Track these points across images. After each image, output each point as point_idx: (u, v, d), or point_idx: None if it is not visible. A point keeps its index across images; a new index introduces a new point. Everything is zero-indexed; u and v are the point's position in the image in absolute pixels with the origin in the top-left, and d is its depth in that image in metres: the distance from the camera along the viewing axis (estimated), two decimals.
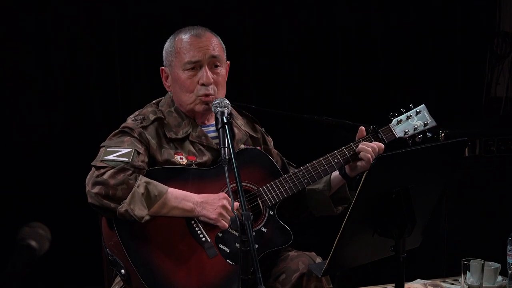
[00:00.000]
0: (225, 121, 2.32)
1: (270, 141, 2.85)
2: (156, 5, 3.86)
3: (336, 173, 2.71)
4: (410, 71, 4.50)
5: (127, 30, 3.82)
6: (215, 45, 2.63)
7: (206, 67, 2.60)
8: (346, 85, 4.38)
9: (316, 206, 2.76)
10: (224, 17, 4.02)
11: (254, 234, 2.49)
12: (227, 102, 2.43)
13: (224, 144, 2.24)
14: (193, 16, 3.85)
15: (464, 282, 2.66)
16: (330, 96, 4.34)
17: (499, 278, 2.78)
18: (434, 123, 2.80)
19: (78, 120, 3.73)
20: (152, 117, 2.61)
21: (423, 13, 4.50)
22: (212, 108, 2.44)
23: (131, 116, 2.64)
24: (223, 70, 2.65)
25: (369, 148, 2.62)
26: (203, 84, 2.59)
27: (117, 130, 2.59)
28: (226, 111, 2.37)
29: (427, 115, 2.80)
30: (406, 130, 2.76)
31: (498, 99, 4.73)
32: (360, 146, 2.64)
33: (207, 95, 2.59)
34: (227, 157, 2.21)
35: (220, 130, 2.30)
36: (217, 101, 2.42)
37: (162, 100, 2.71)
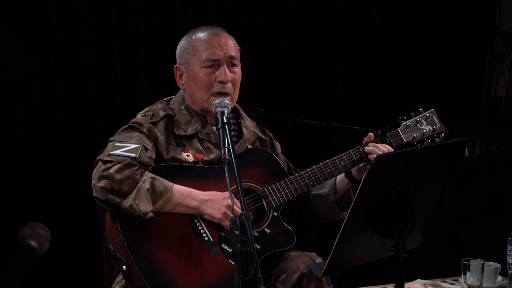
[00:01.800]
0: (225, 121, 2.32)
1: (278, 146, 2.85)
2: (156, 5, 3.86)
3: (341, 177, 2.70)
4: (410, 71, 4.50)
5: (127, 30, 3.81)
6: (233, 45, 2.66)
7: (225, 65, 2.61)
8: (346, 87, 4.37)
9: (321, 211, 2.76)
10: (224, 17, 4.02)
11: (257, 234, 2.52)
12: (227, 102, 2.44)
13: (224, 144, 2.25)
14: (193, 16, 3.86)
15: (464, 282, 2.66)
16: (330, 97, 4.34)
17: (499, 278, 2.78)
18: (443, 128, 2.79)
19: (78, 120, 3.72)
20: (162, 113, 2.62)
21: (423, 13, 4.50)
22: (212, 108, 2.45)
23: (141, 112, 2.65)
24: (239, 70, 2.67)
25: (379, 151, 2.61)
26: (221, 82, 2.60)
27: (126, 125, 2.59)
28: (226, 111, 2.38)
29: (436, 120, 2.78)
30: (415, 135, 2.74)
31: (498, 99, 4.73)
32: (370, 148, 2.63)
33: (222, 93, 2.60)
34: (227, 157, 2.21)
35: (220, 130, 2.31)
36: (217, 101, 2.43)
37: (173, 98, 2.71)
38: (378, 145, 2.65)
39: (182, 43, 2.69)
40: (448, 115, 4.39)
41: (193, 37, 2.65)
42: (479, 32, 4.63)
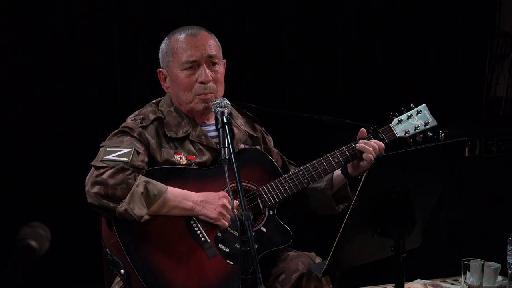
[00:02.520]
0: (225, 121, 2.32)
1: (270, 140, 2.85)
2: (156, 5, 3.87)
3: (338, 172, 2.71)
4: (410, 71, 4.50)
5: (128, 30, 3.81)
6: (211, 44, 2.64)
7: (204, 65, 2.60)
8: (346, 84, 4.37)
9: (317, 205, 2.76)
10: (225, 17, 4.02)
11: (254, 234, 2.50)
12: (227, 102, 2.43)
13: (224, 144, 2.24)
14: (193, 16, 3.86)
15: (464, 282, 2.66)
16: (330, 95, 4.34)
17: (499, 278, 2.78)
18: (435, 123, 2.80)
19: (78, 120, 3.73)
20: (152, 116, 2.61)
21: (423, 13, 4.50)
22: (212, 108, 2.44)
23: (131, 116, 2.64)
24: (221, 67, 2.66)
25: (370, 148, 2.62)
26: (202, 82, 2.60)
27: (117, 130, 2.59)
28: (226, 111, 2.37)
29: (428, 114, 2.80)
30: (407, 130, 2.76)
31: (498, 99, 4.73)
32: (360, 145, 2.63)
33: (205, 93, 2.60)
34: (227, 157, 2.21)
35: (220, 130, 2.30)
36: (217, 101, 2.42)
37: (162, 100, 2.71)
38: (369, 141, 2.65)
39: (162, 46, 2.68)
40: (448, 115, 4.42)
41: (171, 40, 2.65)
42: (479, 32, 4.63)
